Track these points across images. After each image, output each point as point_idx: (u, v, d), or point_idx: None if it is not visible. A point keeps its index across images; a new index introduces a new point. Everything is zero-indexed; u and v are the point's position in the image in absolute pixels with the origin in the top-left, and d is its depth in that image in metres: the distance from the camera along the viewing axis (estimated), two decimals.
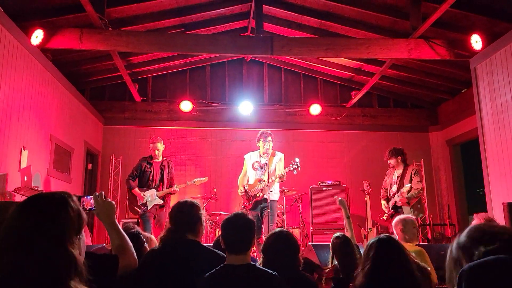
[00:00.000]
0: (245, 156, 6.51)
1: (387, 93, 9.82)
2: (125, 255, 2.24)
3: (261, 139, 6.16)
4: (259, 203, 5.98)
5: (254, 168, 6.27)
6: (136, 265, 2.31)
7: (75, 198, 1.72)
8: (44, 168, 6.47)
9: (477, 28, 6.18)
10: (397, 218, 4.11)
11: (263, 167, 6.09)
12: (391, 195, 6.36)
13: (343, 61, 8.70)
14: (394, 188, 6.31)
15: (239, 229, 2.50)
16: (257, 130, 8.99)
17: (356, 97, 9.36)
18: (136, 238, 3.05)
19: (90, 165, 8.84)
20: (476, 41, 6.07)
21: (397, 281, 2.34)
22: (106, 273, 2.11)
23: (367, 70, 8.78)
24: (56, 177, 6.87)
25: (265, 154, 6.04)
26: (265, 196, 5.86)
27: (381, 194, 6.61)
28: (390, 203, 6.28)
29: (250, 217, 2.64)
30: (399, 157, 6.33)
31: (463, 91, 8.70)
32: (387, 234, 2.58)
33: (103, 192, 2.39)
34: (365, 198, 6.83)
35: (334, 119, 9.68)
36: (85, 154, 8.38)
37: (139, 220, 6.57)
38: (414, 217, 4.20)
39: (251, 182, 6.22)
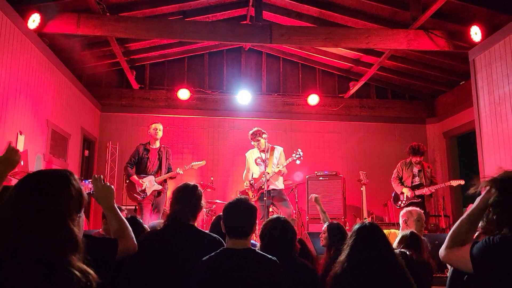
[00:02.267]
0: (246, 154, 6.73)
1: (385, 85, 9.81)
2: (124, 239, 2.25)
3: (253, 140, 6.44)
4: (265, 195, 6.16)
5: (257, 164, 6.52)
6: (135, 250, 2.31)
7: (76, 177, 1.71)
8: (41, 153, 6.45)
9: (477, 19, 6.16)
10: (405, 209, 4.29)
11: (266, 162, 6.32)
12: (411, 185, 6.84)
13: (341, 51, 8.67)
14: (417, 179, 6.84)
15: (241, 214, 2.51)
16: (255, 120, 9.10)
17: (354, 88, 9.35)
18: (134, 222, 3.08)
19: (87, 152, 8.81)
20: (475, 33, 6.05)
21: (375, 268, 2.35)
22: (105, 256, 2.12)
23: (365, 61, 8.75)
24: (53, 163, 6.85)
25: (264, 150, 6.32)
26: (272, 187, 6.23)
27: (396, 182, 6.98)
28: (417, 192, 6.76)
29: (252, 202, 2.65)
30: (423, 156, 6.88)
31: (461, 83, 8.69)
32: (370, 222, 2.62)
33: (102, 176, 2.39)
34: (361, 189, 6.87)
35: (332, 110, 9.67)
36: (82, 140, 8.36)
37: (137, 207, 6.57)
38: (421, 210, 4.42)
39: (255, 176, 6.48)
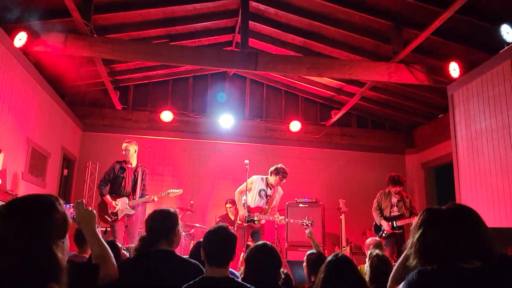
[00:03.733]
0: (254, 177, 6.68)
1: (366, 114, 10.00)
2: (105, 264, 2.22)
3: (279, 176, 6.48)
4: (253, 228, 6.44)
5: (260, 196, 6.57)
6: (116, 276, 2.28)
7: (61, 202, 1.71)
8: (19, 172, 6.35)
9: (456, 56, 6.37)
10: (371, 239, 4.35)
11: (267, 197, 6.52)
12: (389, 215, 6.94)
13: (324, 80, 8.85)
14: (396, 209, 6.95)
15: (221, 242, 2.52)
16: (237, 144, 9.17)
17: (335, 116, 9.50)
18: (112, 246, 3.04)
19: (65, 171, 8.69)
20: (454, 69, 6.26)
21: None
22: (86, 282, 2.10)
23: (347, 91, 8.94)
24: (31, 182, 6.74)
25: (273, 187, 6.56)
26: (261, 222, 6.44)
27: (377, 213, 7.04)
28: (399, 222, 6.84)
29: (233, 230, 2.66)
30: (402, 186, 7.01)
31: (439, 116, 8.93)
32: (341, 254, 2.65)
33: (84, 200, 2.38)
34: (340, 217, 6.91)
35: (313, 137, 9.79)
36: (62, 159, 8.26)
37: (108, 229, 6.24)
38: (378, 239, 4.54)
39: (250, 203, 6.51)
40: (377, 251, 2.68)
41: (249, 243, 6.69)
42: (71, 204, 2.38)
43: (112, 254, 2.31)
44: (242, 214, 6.45)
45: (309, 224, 6.27)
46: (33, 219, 1.57)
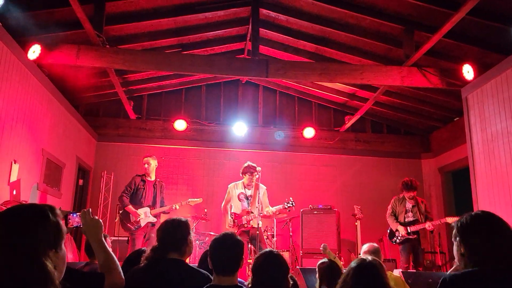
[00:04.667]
0: (229, 186, 6.72)
1: (380, 119, 9.91)
2: (111, 273, 2.22)
3: (247, 174, 6.43)
4: (247, 233, 6.28)
5: (240, 200, 6.52)
6: (123, 284, 2.28)
7: (58, 211, 1.70)
8: (35, 183, 6.43)
9: (469, 58, 6.28)
10: (369, 245, 4.24)
11: (249, 199, 6.45)
12: (404, 220, 6.86)
13: (337, 86, 8.80)
14: (410, 215, 6.88)
15: (227, 250, 2.49)
16: (251, 152, 9.15)
17: (349, 122, 9.43)
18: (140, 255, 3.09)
19: (81, 181, 8.79)
20: (467, 71, 6.16)
21: None
22: None
23: (361, 96, 8.87)
24: (46, 192, 6.82)
25: (250, 186, 6.47)
26: (254, 225, 6.20)
27: (392, 218, 6.97)
28: (413, 228, 6.76)
29: (240, 238, 2.63)
30: (415, 191, 6.90)
31: (455, 119, 8.79)
32: (369, 259, 2.48)
33: (90, 210, 2.38)
34: (356, 223, 6.83)
35: (327, 143, 9.72)
36: (77, 169, 8.35)
37: (129, 238, 6.52)
38: (375, 244, 4.40)
39: (235, 210, 6.49)
40: (370, 257, 2.50)
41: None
42: (77, 214, 2.37)
43: (118, 263, 2.31)
44: (228, 223, 6.49)
45: (291, 205, 6.23)
46: (22, 229, 1.56)
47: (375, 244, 4.34)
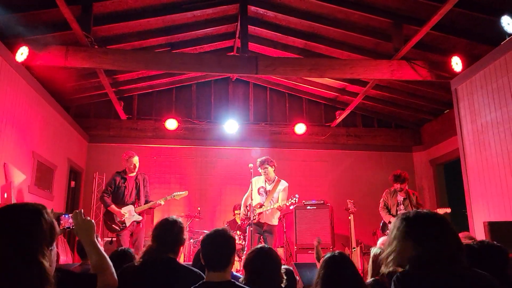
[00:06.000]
0: (252, 180, 6.56)
1: (371, 113, 9.94)
2: (104, 274, 2.20)
3: (263, 167, 6.42)
4: (255, 226, 6.17)
5: (259, 193, 6.48)
6: (116, 285, 2.26)
7: (48, 210, 1.69)
8: (26, 185, 6.39)
9: (457, 50, 6.32)
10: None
11: (267, 193, 6.38)
12: (395, 213, 6.86)
13: (327, 81, 8.82)
14: (402, 207, 6.87)
15: (218, 246, 2.50)
16: (243, 149, 9.16)
17: (340, 117, 9.46)
18: (125, 255, 3.07)
19: (73, 183, 8.74)
20: (456, 63, 6.21)
21: None
22: None
23: (351, 90, 8.89)
24: (38, 195, 6.77)
25: (270, 181, 6.42)
26: (264, 221, 6.21)
27: (384, 211, 6.99)
28: None
29: (231, 233, 2.64)
30: (406, 183, 6.92)
31: (445, 111, 8.85)
32: (340, 252, 2.64)
33: (82, 211, 2.37)
34: (349, 217, 6.87)
35: (319, 139, 9.75)
36: (69, 171, 8.30)
37: (113, 239, 6.30)
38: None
39: (254, 204, 6.37)
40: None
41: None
42: (70, 215, 2.36)
43: (111, 264, 2.29)
44: (241, 214, 6.51)
45: (294, 201, 6.18)
46: (18, 229, 1.54)
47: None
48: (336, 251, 2.65)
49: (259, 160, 6.48)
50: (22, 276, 1.43)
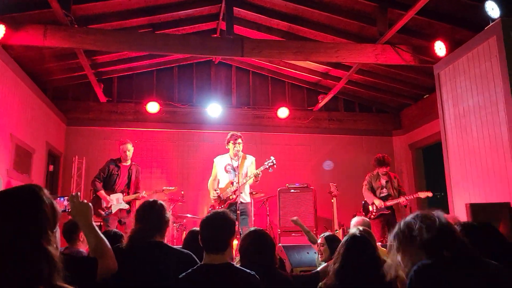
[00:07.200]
0: (215, 160, 6.44)
1: (353, 98, 10.00)
2: (103, 258, 2.14)
3: (231, 141, 6.15)
4: (233, 205, 5.84)
5: (226, 171, 6.20)
6: (116, 269, 2.21)
7: (46, 191, 1.60)
8: (4, 169, 6.21)
9: (441, 35, 6.38)
10: (360, 219, 4.35)
11: (236, 170, 6.04)
12: (379, 196, 7.05)
13: (310, 65, 8.80)
14: (385, 190, 7.08)
15: (216, 228, 2.48)
16: (225, 133, 8.99)
17: (323, 101, 9.49)
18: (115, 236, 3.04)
19: (51, 167, 8.54)
20: (439, 48, 6.27)
21: (365, 279, 2.37)
22: (85, 276, 2.02)
23: (334, 75, 8.90)
24: (16, 179, 6.59)
25: (236, 157, 6.04)
26: (240, 200, 5.80)
27: (369, 192, 7.10)
28: (388, 203, 6.93)
29: (231, 216, 2.61)
30: (389, 166, 7.10)
31: (425, 96, 8.96)
32: (363, 230, 2.64)
33: (79, 193, 2.31)
34: (332, 200, 6.94)
35: (301, 123, 9.76)
36: (47, 155, 8.10)
37: (102, 224, 6.40)
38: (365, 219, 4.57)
39: (222, 185, 6.19)
40: (360, 228, 2.71)
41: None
42: (65, 198, 2.30)
43: (110, 247, 2.25)
44: (212, 197, 6.19)
45: (272, 164, 5.97)
46: (18, 215, 1.46)
47: (366, 218, 4.45)
48: (360, 228, 2.66)
49: (230, 134, 6.22)
50: (31, 265, 1.35)
